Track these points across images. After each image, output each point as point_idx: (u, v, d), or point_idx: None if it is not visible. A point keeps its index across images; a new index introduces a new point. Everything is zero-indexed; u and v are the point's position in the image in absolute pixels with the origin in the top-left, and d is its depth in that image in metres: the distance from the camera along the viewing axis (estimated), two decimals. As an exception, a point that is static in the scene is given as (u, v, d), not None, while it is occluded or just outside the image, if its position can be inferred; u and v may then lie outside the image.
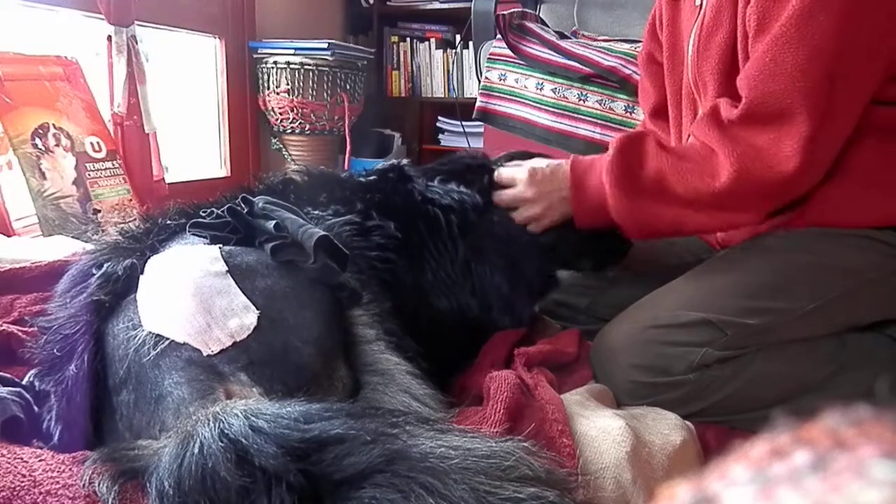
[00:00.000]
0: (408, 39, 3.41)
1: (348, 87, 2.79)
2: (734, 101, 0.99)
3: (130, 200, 2.00)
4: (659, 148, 1.03)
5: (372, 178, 1.09)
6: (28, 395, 0.75)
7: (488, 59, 2.15)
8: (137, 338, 0.70)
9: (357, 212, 0.98)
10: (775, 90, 0.92)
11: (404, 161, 1.15)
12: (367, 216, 0.98)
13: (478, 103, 2.17)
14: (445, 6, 3.24)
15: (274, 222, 0.80)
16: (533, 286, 1.14)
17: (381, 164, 1.14)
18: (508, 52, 2.08)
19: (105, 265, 0.78)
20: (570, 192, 1.09)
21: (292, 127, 2.76)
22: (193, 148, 2.75)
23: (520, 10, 2.22)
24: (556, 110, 2.01)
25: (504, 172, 1.15)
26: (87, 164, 1.89)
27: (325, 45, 2.65)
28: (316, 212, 0.94)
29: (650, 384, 0.98)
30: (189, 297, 0.71)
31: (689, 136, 1.18)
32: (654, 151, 1.03)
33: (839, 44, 0.88)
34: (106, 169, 1.95)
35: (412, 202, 1.06)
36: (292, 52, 2.67)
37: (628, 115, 1.91)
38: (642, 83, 1.41)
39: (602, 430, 0.79)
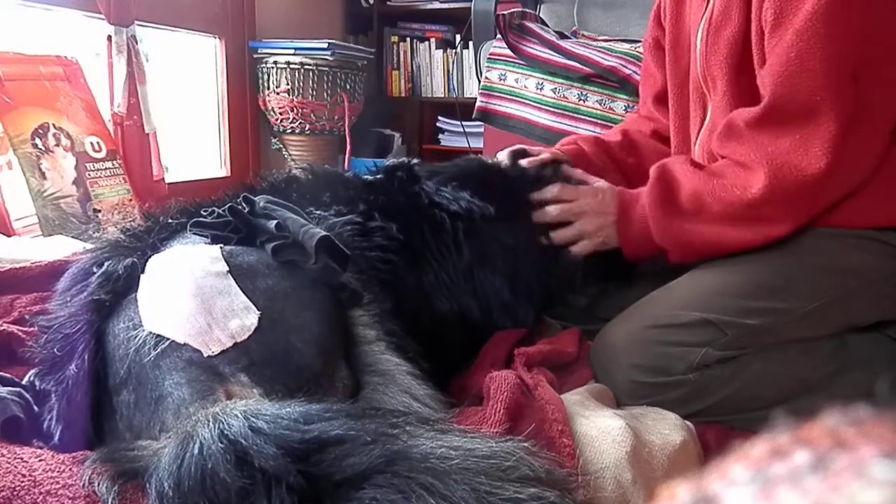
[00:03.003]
0: (408, 39, 3.41)
1: (348, 87, 2.79)
2: (749, 107, 0.97)
3: (130, 200, 2.00)
4: (694, 168, 1.04)
5: (378, 176, 1.09)
6: (28, 395, 0.75)
7: (488, 59, 2.15)
8: (138, 338, 0.70)
9: (359, 212, 0.98)
10: (802, 87, 0.90)
11: (414, 160, 1.14)
12: (370, 217, 0.98)
13: (478, 103, 2.17)
14: (445, 6, 3.24)
15: (275, 222, 0.80)
16: (536, 295, 1.13)
17: (390, 161, 1.13)
18: (508, 52, 2.08)
19: (106, 264, 0.78)
20: (616, 222, 1.10)
21: (292, 127, 2.76)
22: (193, 148, 2.75)
23: (520, 10, 2.21)
24: (557, 110, 2.01)
25: (565, 189, 1.14)
26: (87, 164, 1.89)
27: (325, 45, 2.65)
28: (318, 211, 0.93)
29: (650, 384, 0.98)
30: (190, 297, 0.71)
31: (696, 134, 1.17)
32: (689, 172, 1.04)
33: (865, 39, 0.87)
34: (106, 169, 1.95)
35: (418, 204, 1.05)
36: (292, 52, 2.67)
37: (628, 115, 1.91)
38: (647, 68, 1.40)
39: (602, 430, 0.79)
